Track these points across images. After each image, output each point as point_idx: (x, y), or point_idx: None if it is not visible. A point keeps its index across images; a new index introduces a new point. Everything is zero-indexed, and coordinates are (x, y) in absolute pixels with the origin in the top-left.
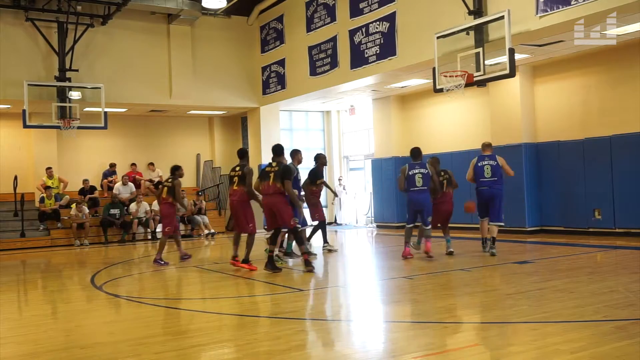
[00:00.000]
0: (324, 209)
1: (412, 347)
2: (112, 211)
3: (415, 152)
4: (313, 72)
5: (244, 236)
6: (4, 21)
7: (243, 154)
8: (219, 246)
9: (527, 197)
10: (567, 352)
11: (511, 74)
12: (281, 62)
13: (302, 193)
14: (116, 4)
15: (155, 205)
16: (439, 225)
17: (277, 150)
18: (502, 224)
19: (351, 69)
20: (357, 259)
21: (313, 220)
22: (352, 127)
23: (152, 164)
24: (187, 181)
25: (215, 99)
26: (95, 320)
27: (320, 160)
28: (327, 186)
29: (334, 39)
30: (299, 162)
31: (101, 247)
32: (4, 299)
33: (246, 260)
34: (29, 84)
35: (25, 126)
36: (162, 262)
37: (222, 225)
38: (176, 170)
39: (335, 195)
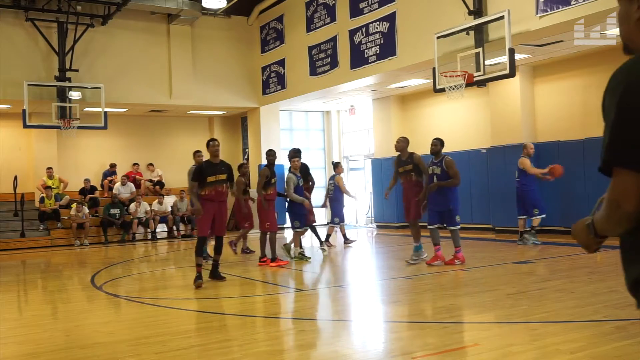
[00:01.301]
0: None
1: (412, 347)
2: (112, 211)
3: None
4: (313, 72)
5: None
6: (4, 21)
7: (267, 154)
8: None
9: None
10: (567, 352)
11: (511, 74)
12: (281, 62)
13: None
14: (116, 4)
15: (155, 205)
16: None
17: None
18: (534, 217)
19: (351, 69)
20: (357, 259)
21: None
22: (352, 127)
23: (151, 164)
24: (187, 181)
25: (215, 99)
26: (95, 320)
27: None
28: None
29: (334, 39)
30: (296, 168)
31: (101, 247)
32: (4, 299)
33: (274, 259)
34: (29, 84)
35: (25, 126)
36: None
37: None
38: (239, 169)
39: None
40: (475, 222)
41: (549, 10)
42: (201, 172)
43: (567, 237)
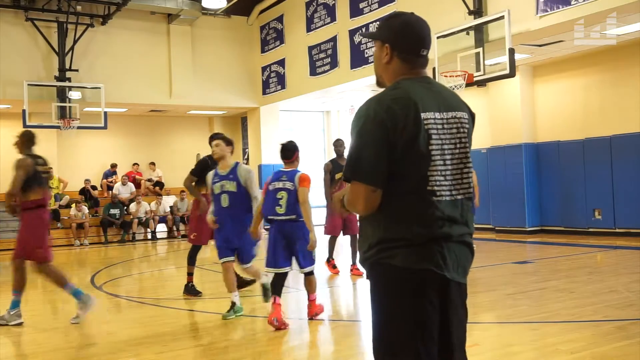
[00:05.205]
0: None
1: None
2: (112, 211)
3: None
4: (313, 72)
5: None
6: (4, 21)
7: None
8: None
9: (527, 197)
10: (567, 352)
11: (511, 74)
12: (281, 62)
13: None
14: (116, 4)
15: (153, 206)
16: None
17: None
18: None
19: (351, 69)
20: (356, 259)
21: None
22: None
23: (153, 163)
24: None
25: (215, 99)
26: (95, 320)
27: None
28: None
29: (334, 39)
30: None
31: (101, 247)
32: (4, 299)
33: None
34: (29, 84)
35: (25, 126)
36: None
37: None
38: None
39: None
40: (475, 222)
41: (549, 10)
42: (203, 168)
43: (567, 237)
